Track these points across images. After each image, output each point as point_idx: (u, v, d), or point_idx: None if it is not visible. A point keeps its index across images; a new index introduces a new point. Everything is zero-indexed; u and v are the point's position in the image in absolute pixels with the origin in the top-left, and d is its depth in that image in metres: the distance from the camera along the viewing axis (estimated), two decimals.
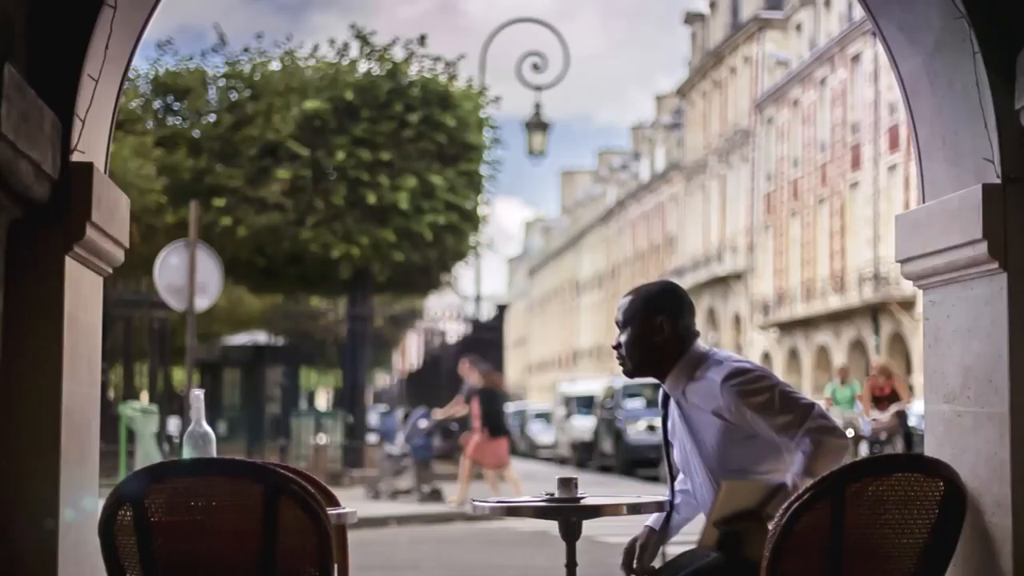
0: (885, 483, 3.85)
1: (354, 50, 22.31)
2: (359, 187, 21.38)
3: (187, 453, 4.06)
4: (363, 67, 22.16)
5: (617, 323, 4.20)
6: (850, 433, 19.98)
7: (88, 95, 4.19)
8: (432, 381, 27.52)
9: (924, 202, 4.96)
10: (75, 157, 4.13)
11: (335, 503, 4.53)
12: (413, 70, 22.14)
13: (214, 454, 4.14)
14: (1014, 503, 4.25)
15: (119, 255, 4.60)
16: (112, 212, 4.37)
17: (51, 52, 4.06)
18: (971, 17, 4.41)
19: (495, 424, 17.83)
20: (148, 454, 17.97)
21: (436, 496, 18.18)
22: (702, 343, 4.22)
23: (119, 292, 18.58)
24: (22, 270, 4.04)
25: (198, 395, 4.15)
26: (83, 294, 4.34)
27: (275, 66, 22.22)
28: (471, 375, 18.63)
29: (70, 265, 4.15)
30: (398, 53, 22.27)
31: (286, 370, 28.98)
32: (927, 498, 3.93)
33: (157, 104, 23.02)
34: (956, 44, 4.53)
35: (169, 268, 15.13)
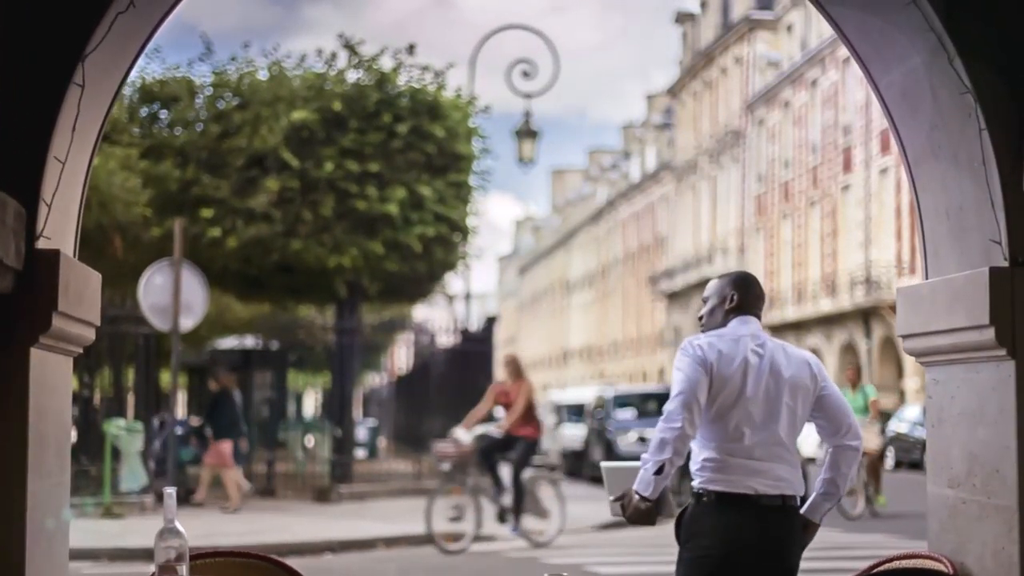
0: None
1: (342, 60, 22.07)
2: (348, 198, 21.16)
3: (157, 554, 3.87)
4: (351, 77, 21.91)
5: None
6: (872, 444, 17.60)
7: (55, 177, 4.00)
8: (422, 386, 27.37)
9: (927, 274, 4.80)
10: (41, 243, 3.94)
11: None
12: (402, 80, 21.90)
13: (187, 551, 3.95)
14: None
15: (90, 334, 4.42)
16: (80, 295, 4.18)
17: (16, 137, 3.87)
18: (977, 93, 4.23)
19: (216, 426, 18.63)
20: (133, 473, 17.79)
21: (186, 498, 18.72)
22: (740, 320, 4.89)
23: (104, 306, 18.30)
24: None
25: (171, 492, 3.96)
26: (50, 381, 4.15)
27: (263, 75, 21.97)
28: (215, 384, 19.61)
29: (36, 355, 3.97)
30: (387, 63, 22.03)
31: (274, 375, 28.78)
32: None
33: (143, 112, 22.75)
34: (961, 119, 4.36)
35: (153, 288, 14.79)
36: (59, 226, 4.10)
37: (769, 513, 4.60)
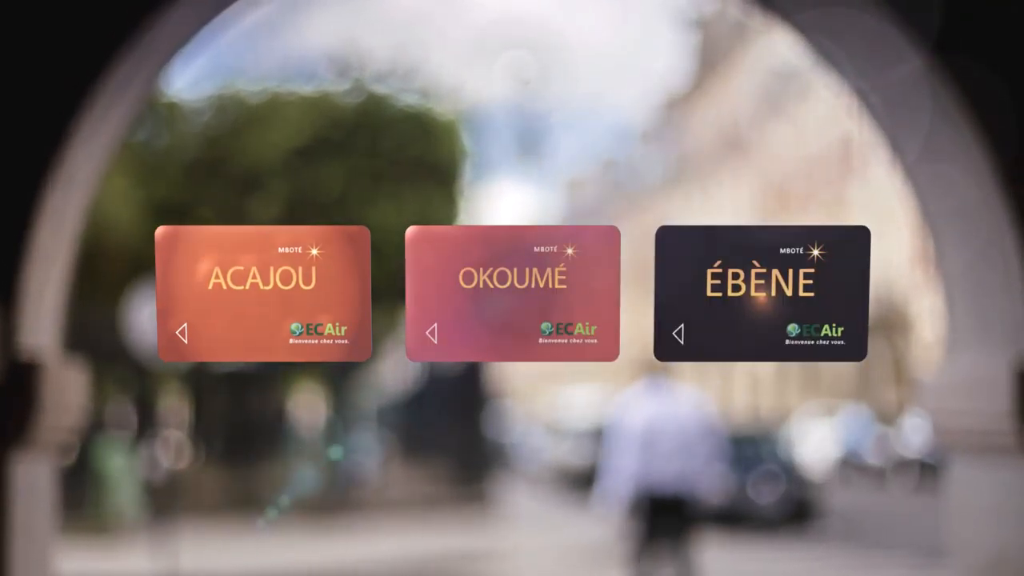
0: None
1: (338, 82, 21.88)
2: (344, 219, 20.99)
3: None
4: (348, 99, 21.72)
5: None
6: None
7: (37, 273, 3.81)
8: (428, 404, 27.15)
9: (949, 351, 4.60)
10: (22, 342, 3.75)
11: None
12: (400, 101, 21.73)
13: None
14: None
15: (75, 423, 4.22)
16: (64, 393, 3.99)
17: None
18: (976, 94, 4.02)
19: None
20: (123, 501, 17.50)
21: None
22: (647, 377, 9.27)
23: (99, 324, 17.92)
24: None
25: None
26: (34, 486, 3.96)
27: (259, 96, 21.79)
28: None
29: (18, 463, 3.77)
30: (384, 83, 21.85)
31: (274, 387, 28.44)
32: None
33: (143, 131, 22.54)
34: (959, 121, 4.13)
35: (141, 320, 13.82)
36: (42, 321, 3.92)
37: (669, 499, 8.86)
